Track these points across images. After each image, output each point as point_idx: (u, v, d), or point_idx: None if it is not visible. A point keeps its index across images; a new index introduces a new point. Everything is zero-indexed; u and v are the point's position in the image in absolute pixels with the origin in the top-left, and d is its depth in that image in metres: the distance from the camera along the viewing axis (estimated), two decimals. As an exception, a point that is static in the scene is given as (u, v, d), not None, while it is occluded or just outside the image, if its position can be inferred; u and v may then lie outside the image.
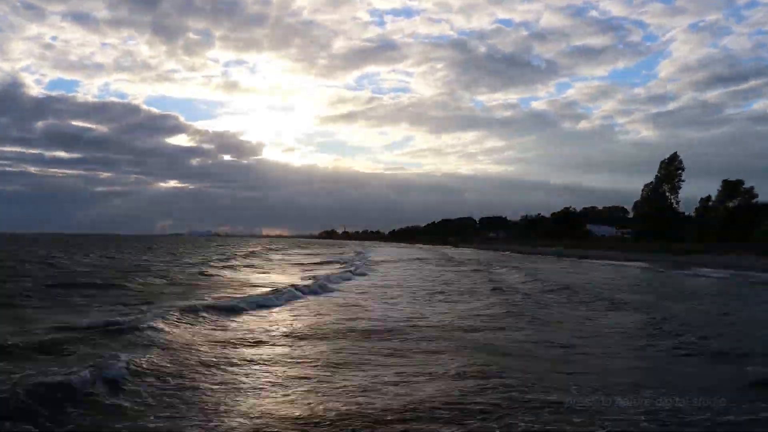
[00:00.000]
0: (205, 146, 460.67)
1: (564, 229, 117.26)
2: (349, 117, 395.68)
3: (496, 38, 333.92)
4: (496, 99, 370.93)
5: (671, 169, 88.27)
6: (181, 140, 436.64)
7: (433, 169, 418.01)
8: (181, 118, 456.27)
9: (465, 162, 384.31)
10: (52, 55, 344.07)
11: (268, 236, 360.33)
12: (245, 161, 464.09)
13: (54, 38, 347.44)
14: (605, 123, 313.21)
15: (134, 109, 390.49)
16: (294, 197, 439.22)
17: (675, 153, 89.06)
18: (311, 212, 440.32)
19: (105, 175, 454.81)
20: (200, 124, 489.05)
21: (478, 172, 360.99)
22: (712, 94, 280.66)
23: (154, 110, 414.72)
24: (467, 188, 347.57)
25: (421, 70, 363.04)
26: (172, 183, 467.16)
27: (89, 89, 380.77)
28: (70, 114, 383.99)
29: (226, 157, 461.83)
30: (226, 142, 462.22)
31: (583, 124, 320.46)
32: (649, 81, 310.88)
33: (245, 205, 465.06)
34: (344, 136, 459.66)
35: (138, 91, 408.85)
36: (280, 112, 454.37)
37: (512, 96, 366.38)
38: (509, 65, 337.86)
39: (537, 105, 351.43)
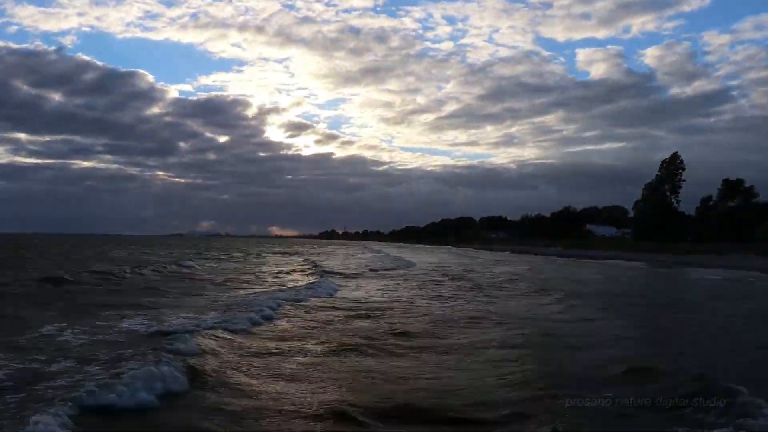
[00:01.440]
0: (190, 123, 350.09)
1: (564, 229, 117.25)
2: (373, 74, 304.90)
3: None
4: (598, 40, 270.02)
5: (672, 168, 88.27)
6: (157, 110, 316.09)
7: (461, 156, 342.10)
8: (150, 78, 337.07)
9: (503, 147, 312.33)
10: None
11: (272, 237, 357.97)
12: (246, 146, 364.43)
13: None
14: (725, 85, 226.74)
15: (81, 65, 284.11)
16: (298, 194, 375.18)
17: (675, 153, 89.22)
18: (315, 211, 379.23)
19: (81, 164, 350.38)
20: (175, 88, 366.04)
21: (516, 161, 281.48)
22: None
23: (110, 66, 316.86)
24: (494, 183, 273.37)
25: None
26: (161, 174, 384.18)
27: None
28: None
29: (222, 140, 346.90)
30: (216, 121, 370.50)
31: (694, 87, 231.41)
32: None
33: (247, 201, 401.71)
34: (362, 106, 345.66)
35: (64, 25, 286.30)
36: (279, 68, 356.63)
37: (625, 36, 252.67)
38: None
39: (648, 53, 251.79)
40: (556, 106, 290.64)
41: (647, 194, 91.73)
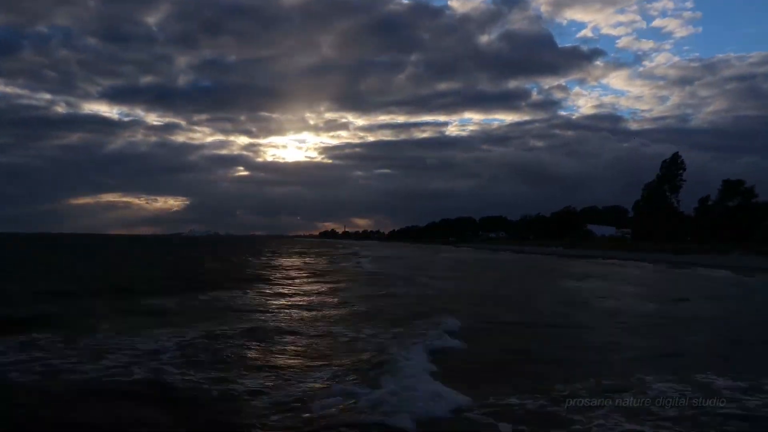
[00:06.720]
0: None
1: (564, 229, 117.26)
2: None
3: None
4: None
5: (672, 168, 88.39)
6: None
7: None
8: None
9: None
10: None
11: (276, 237, 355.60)
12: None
13: None
14: None
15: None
16: (302, 191, 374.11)
17: (676, 153, 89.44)
18: (320, 209, 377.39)
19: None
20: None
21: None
22: None
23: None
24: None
25: None
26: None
27: None
28: None
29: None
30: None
31: None
32: None
33: (248, 195, 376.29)
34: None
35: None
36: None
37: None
38: None
39: None
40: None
41: (647, 194, 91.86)
